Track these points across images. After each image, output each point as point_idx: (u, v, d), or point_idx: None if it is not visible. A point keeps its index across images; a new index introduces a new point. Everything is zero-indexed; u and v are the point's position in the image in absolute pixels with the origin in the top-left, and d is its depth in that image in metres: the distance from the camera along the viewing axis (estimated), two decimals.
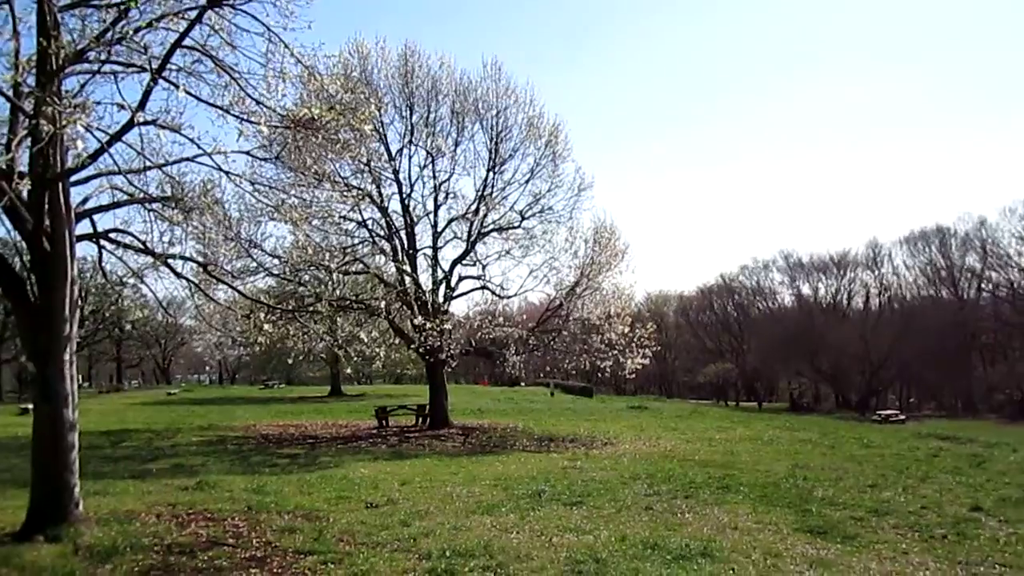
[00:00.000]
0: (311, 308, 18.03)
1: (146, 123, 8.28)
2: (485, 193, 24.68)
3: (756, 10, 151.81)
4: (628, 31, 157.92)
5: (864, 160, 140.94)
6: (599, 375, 37.06)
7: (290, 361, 34.11)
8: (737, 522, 9.34)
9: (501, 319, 23.75)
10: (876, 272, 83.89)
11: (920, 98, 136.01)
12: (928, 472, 13.99)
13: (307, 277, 20.34)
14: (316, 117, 8.55)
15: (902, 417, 53.23)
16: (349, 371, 35.89)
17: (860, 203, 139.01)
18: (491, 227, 24.86)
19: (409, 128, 24.07)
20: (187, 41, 8.06)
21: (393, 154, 24.14)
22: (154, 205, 10.21)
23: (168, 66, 8.07)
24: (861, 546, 8.22)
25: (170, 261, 10.52)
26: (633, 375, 25.19)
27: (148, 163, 9.21)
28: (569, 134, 24.99)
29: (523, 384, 65.50)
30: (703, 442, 20.06)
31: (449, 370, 26.22)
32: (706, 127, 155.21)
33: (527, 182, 24.99)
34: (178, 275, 10.80)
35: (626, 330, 23.19)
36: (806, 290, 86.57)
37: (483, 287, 25.30)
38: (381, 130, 23.50)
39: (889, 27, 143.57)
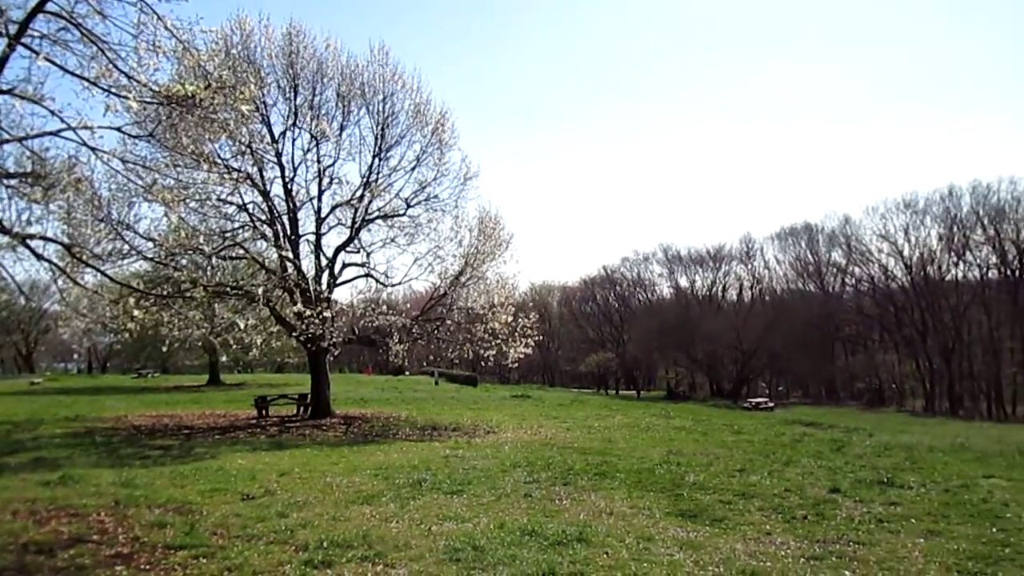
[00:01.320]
0: (187, 294, 17.34)
1: (2, 92, 7.76)
2: (370, 179, 24.33)
3: (627, 9, 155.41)
4: (515, 21, 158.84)
5: (740, 157, 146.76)
6: (483, 364, 37.19)
7: (165, 349, 32.79)
8: (613, 507, 9.59)
9: (385, 307, 23.48)
10: (749, 266, 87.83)
11: (791, 97, 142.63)
12: (792, 457, 14.71)
13: (184, 262, 19.52)
14: (192, 94, 8.21)
15: (771, 404, 55.77)
16: (226, 360, 34.73)
17: (735, 199, 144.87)
18: (376, 214, 24.53)
19: (293, 110, 23.45)
20: (51, 6, 7.59)
21: (276, 136, 23.47)
22: (11, 181, 9.58)
23: (30, 32, 7.58)
24: (728, 528, 8.59)
25: (30, 242, 9.89)
26: (516, 364, 25.40)
27: (5, 135, 8.64)
28: (456, 123, 24.88)
29: (408, 373, 65.18)
30: (583, 430, 20.48)
31: (332, 359, 25.78)
32: (590, 122, 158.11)
33: (413, 169, 24.77)
34: (39, 257, 10.16)
35: (509, 319, 23.36)
36: (684, 282, 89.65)
37: (367, 275, 24.96)
38: (264, 111, 22.81)
39: (758, 24, 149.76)
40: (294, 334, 21.50)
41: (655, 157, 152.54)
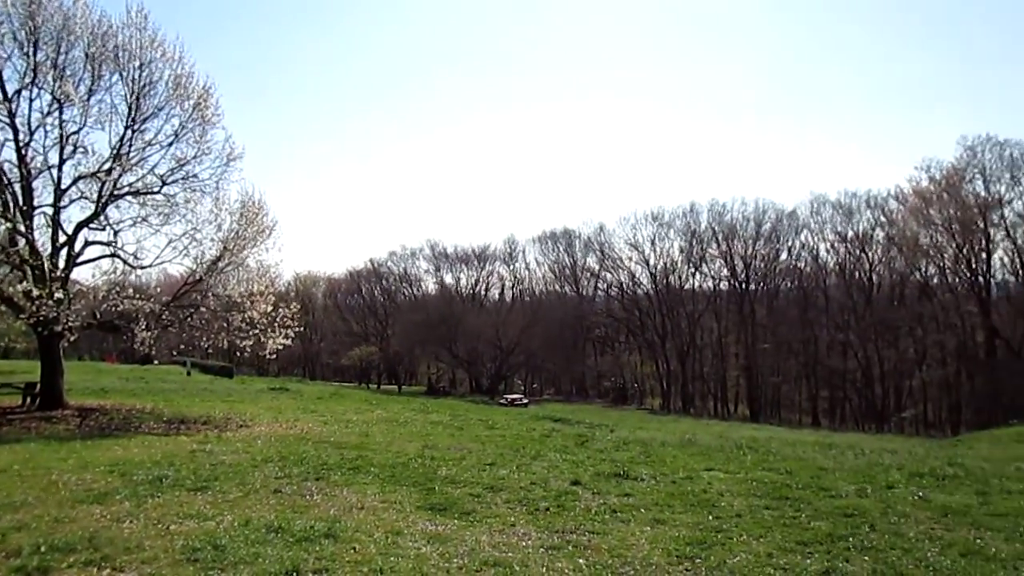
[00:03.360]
0: None
1: None
2: (121, 152, 22.38)
3: (407, 8, 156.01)
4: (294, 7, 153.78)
5: (507, 161, 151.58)
6: (240, 355, 35.67)
7: None
8: (364, 502, 9.56)
9: (132, 291, 21.79)
10: (512, 266, 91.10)
11: (560, 107, 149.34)
12: (540, 451, 15.39)
13: None
14: None
15: (526, 401, 58.10)
16: None
17: (502, 201, 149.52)
18: (126, 190, 22.64)
19: (32, 67, 21.07)
20: None
21: (9, 95, 21.02)
22: None
23: None
24: (476, 520, 8.84)
25: None
26: (275, 356, 24.59)
27: None
28: (221, 99, 23.48)
29: (157, 362, 61.00)
30: (340, 424, 20.22)
31: (68, 344, 23.56)
32: (364, 115, 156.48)
33: (171, 145, 23.03)
34: None
35: (269, 309, 22.54)
36: (449, 279, 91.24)
37: (114, 255, 23.01)
38: None
39: (533, 27, 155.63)
40: (22, 316, 19.43)
41: (426, 154, 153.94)
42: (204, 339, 23.29)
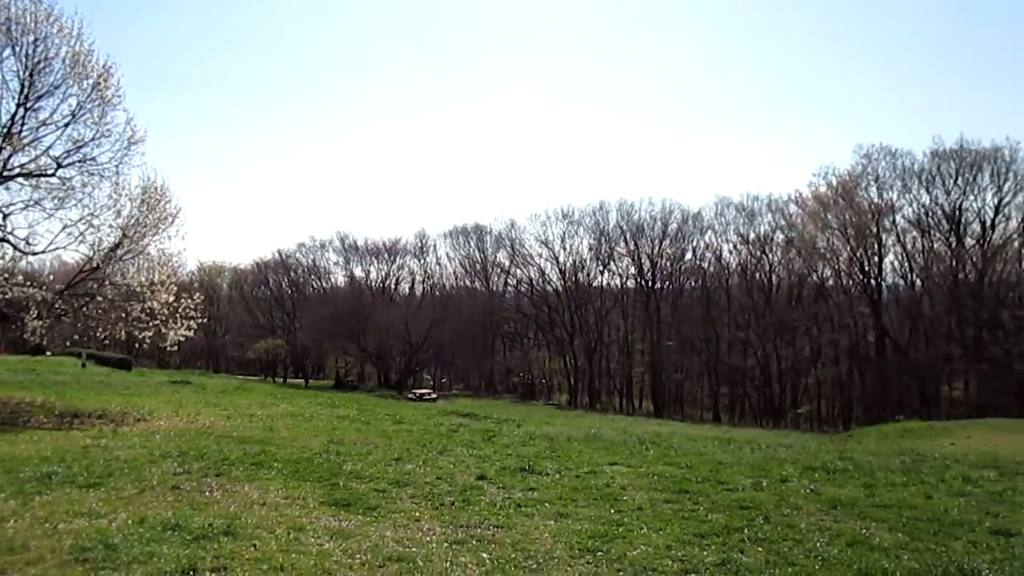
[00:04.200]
0: None
1: None
2: (13, 131, 21.26)
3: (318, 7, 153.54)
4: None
5: (418, 154, 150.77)
6: (139, 346, 34.44)
7: None
8: (266, 498, 9.39)
9: (22, 278, 20.77)
10: (422, 261, 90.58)
11: (476, 104, 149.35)
12: (447, 446, 15.40)
13: None
14: None
15: (434, 396, 57.95)
16: None
17: (413, 196, 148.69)
18: (17, 171, 21.52)
19: None
20: None
21: None
22: None
23: None
24: (380, 516, 8.79)
25: None
26: (176, 348, 23.85)
27: None
28: (123, 80, 22.50)
29: (49, 353, 58.22)
30: (244, 418, 19.78)
31: None
32: (274, 105, 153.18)
33: (67, 125, 21.99)
34: None
35: (171, 299, 21.81)
36: (359, 272, 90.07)
37: (2, 240, 21.85)
38: None
39: (446, 26, 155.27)
40: None
41: (337, 147, 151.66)
42: (101, 330, 22.37)
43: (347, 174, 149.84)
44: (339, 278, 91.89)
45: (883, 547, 8.10)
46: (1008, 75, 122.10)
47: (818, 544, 8.09)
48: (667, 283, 79.87)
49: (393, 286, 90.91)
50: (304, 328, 79.61)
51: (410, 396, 55.60)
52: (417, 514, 8.95)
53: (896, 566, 7.33)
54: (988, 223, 59.16)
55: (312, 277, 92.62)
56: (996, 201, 58.55)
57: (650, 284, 78.48)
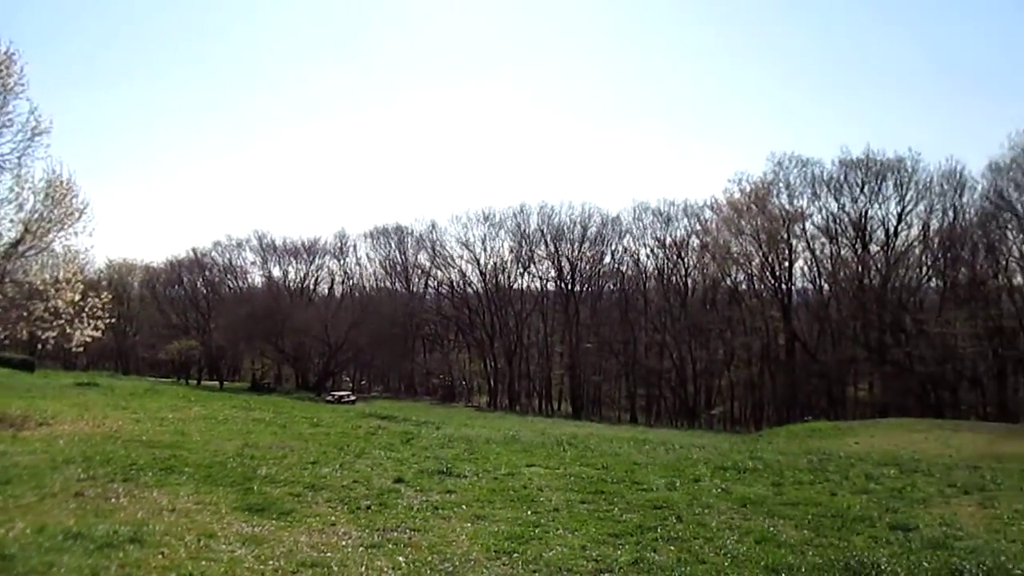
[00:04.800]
0: None
1: None
2: None
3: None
4: None
5: (338, 154, 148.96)
6: (43, 347, 32.99)
7: None
8: (176, 504, 9.14)
9: None
10: (342, 261, 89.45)
11: (397, 106, 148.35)
12: (365, 449, 15.24)
13: None
14: None
15: (353, 398, 57.29)
16: None
17: (333, 195, 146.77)
18: None
19: None
20: None
21: None
22: None
23: None
24: (295, 520, 8.65)
25: None
26: (83, 348, 22.95)
27: None
28: (26, 67, 21.52)
29: None
30: (154, 421, 19.16)
31: None
32: (183, 101, 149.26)
33: None
34: None
35: (77, 298, 20.97)
36: (277, 272, 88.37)
37: None
38: None
39: (354, 25, 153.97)
40: None
41: (255, 145, 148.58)
42: (0, 330, 21.40)
43: (265, 172, 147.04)
44: (256, 278, 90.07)
45: (789, 543, 8.38)
46: (914, 87, 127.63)
47: (728, 542, 8.33)
48: (586, 286, 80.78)
49: (312, 287, 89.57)
50: (220, 329, 77.60)
51: (328, 398, 54.85)
52: (333, 518, 8.85)
53: (801, 561, 7.60)
54: (891, 230, 61.85)
55: (228, 276, 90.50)
56: (899, 209, 61.32)
57: (569, 287, 79.27)
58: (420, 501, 10.03)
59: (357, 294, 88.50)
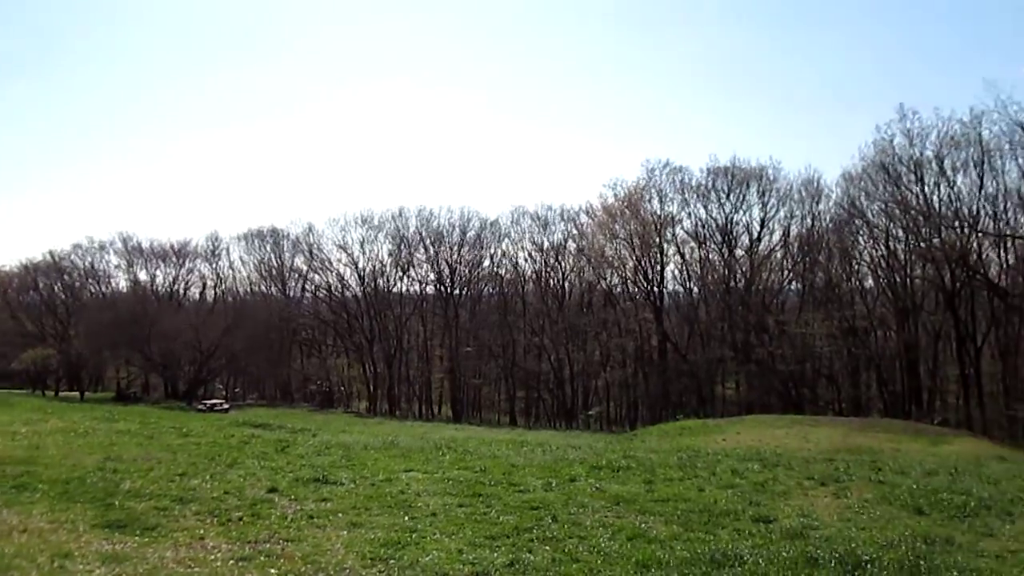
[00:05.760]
0: None
1: None
2: None
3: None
4: None
5: (211, 155, 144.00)
6: None
7: None
8: (29, 524, 8.62)
9: None
10: (215, 264, 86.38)
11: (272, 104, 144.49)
12: (238, 458, 14.80)
13: None
14: None
15: (226, 406, 55.44)
16: None
17: (204, 196, 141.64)
18: None
19: None
20: None
21: None
22: None
23: None
24: (161, 536, 8.33)
25: None
26: None
27: None
28: None
29: None
30: (5, 436, 17.95)
31: None
32: (54, 110, 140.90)
33: None
34: None
35: None
36: (144, 276, 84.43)
37: None
38: None
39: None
40: None
41: (117, 143, 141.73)
42: None
43: (131, 173, 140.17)
44: (121, 282, 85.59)
45: (659, 539, 8.68)
46: (777, 98, 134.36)
47: (601, 540, 8.55)
48: (465, 289, 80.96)
49: (182, 291, 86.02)
50: (80, 336, 73.31)
51: (200, 407, 52.82)
52: (201, 532, 8.56)
53: (670, 556, 7.89)
54: (755, 235, 64.86)
55: (90, 281, 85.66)
56: (762, 215, 64.32)
57: (449, 290, 79.28)
58: (294, 510, 9.84)
59: (230, 298, 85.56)
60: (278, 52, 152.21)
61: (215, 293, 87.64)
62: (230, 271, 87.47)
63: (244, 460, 14.61)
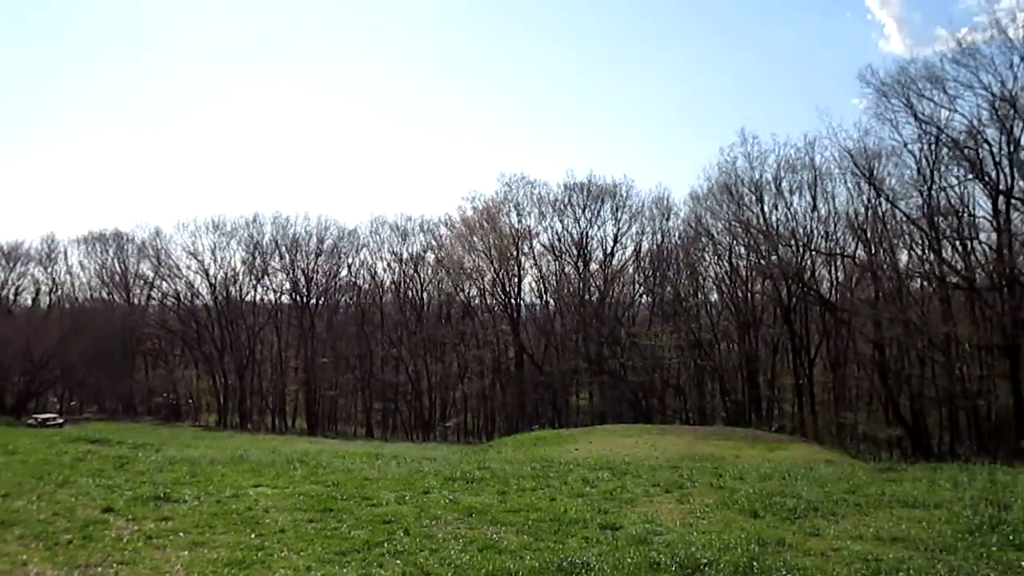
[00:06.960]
0: None
1: None
2: None
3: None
4: None
5: (44, 152, 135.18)
6: None
7: None
8: None
9: None
10: (50, 269, 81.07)
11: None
12: (70, 476, 13.89)
13: None
14: None
15: (61, 421, 51.96)
16: None
17: (38, 196, 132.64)
18: None
19: None
20: None
21: None
22: None
23: None
24: None
25: None
26: None
27: None
28: None
29: None
30: None
31: None
32: None
33: None
34: None
35: None
36: None
37: None
38: None
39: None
40: None
41: None
42: None
43: None
44: None
45: (510, 549, 8.80)
46: (632, 117, 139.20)
47: (452, 552, 8.58)
48: (322, 299, 79.43)
49: (12, 296, 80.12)
50: None
51: (31, 422, 49.21)
52: (24, 557, 8.02)
53: (520, 566, 8.01)
54: (609, 250, 67.12)
55: None
56: (615, 231, 66.69)
57: (305, 300, 77.51)
58: (131, 531, 9.36)
59: (68, 305, 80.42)
60: (125, 50, 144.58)
61: (50, 299, 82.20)
62: (68, 276, 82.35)
63: (77, 478, 13.72)
